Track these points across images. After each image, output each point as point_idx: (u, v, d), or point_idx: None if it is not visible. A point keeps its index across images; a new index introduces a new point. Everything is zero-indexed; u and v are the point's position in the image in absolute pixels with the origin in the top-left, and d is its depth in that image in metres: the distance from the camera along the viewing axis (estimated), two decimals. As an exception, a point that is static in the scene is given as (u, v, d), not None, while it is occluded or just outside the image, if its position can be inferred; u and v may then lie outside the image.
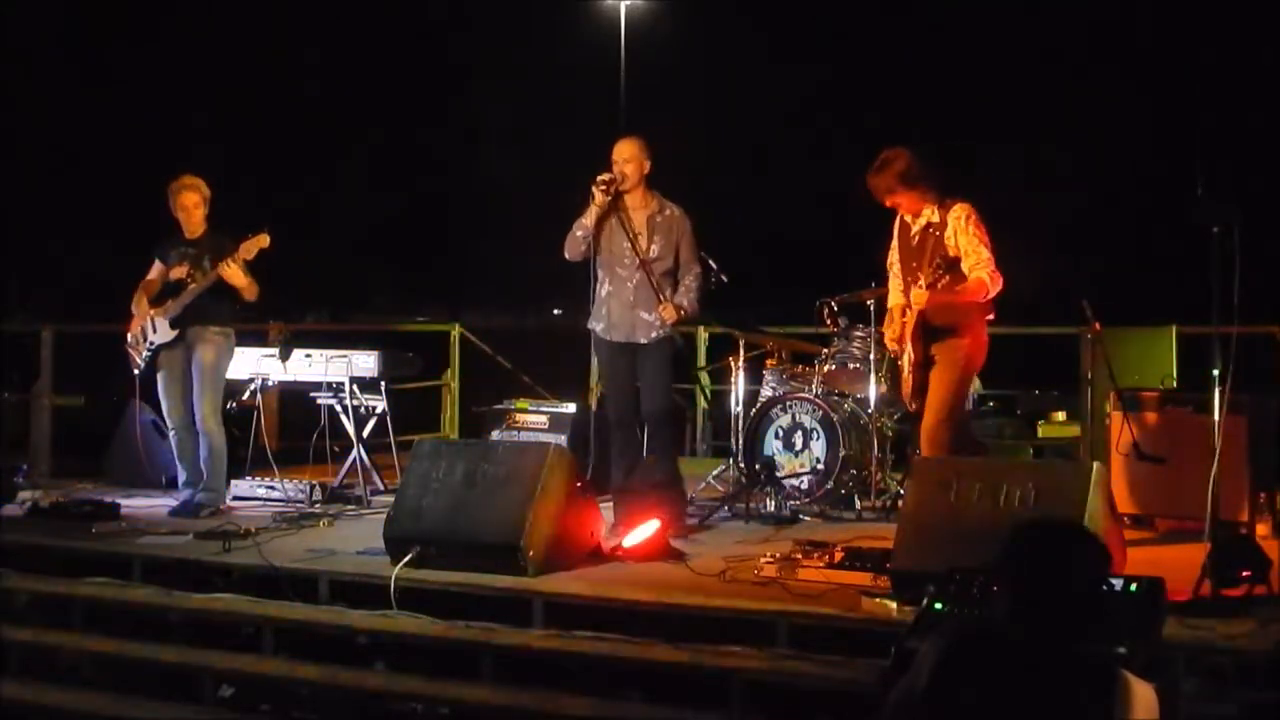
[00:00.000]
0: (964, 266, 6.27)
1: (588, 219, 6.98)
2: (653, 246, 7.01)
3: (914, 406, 6.62)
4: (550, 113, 27.99)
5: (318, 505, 7.59)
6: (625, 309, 7.04)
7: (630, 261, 6.99)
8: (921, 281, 6.23)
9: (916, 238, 6.44)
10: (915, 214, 6.45)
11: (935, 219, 6.39)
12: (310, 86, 27.39)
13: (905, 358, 6.45)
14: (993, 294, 6.31)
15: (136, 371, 7.70)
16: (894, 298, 6.71)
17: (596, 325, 7.16)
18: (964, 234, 6.29)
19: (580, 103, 27.22)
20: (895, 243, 6.65)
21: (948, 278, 6.23)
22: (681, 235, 7.07)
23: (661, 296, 6.95)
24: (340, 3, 28.32)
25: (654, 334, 7.01)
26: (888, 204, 6.47)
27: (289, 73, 26.69)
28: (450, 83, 29.44)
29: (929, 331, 6.34)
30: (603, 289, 7.09)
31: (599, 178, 6.95)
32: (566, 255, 7.09)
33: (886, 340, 6.75)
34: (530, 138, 28.16)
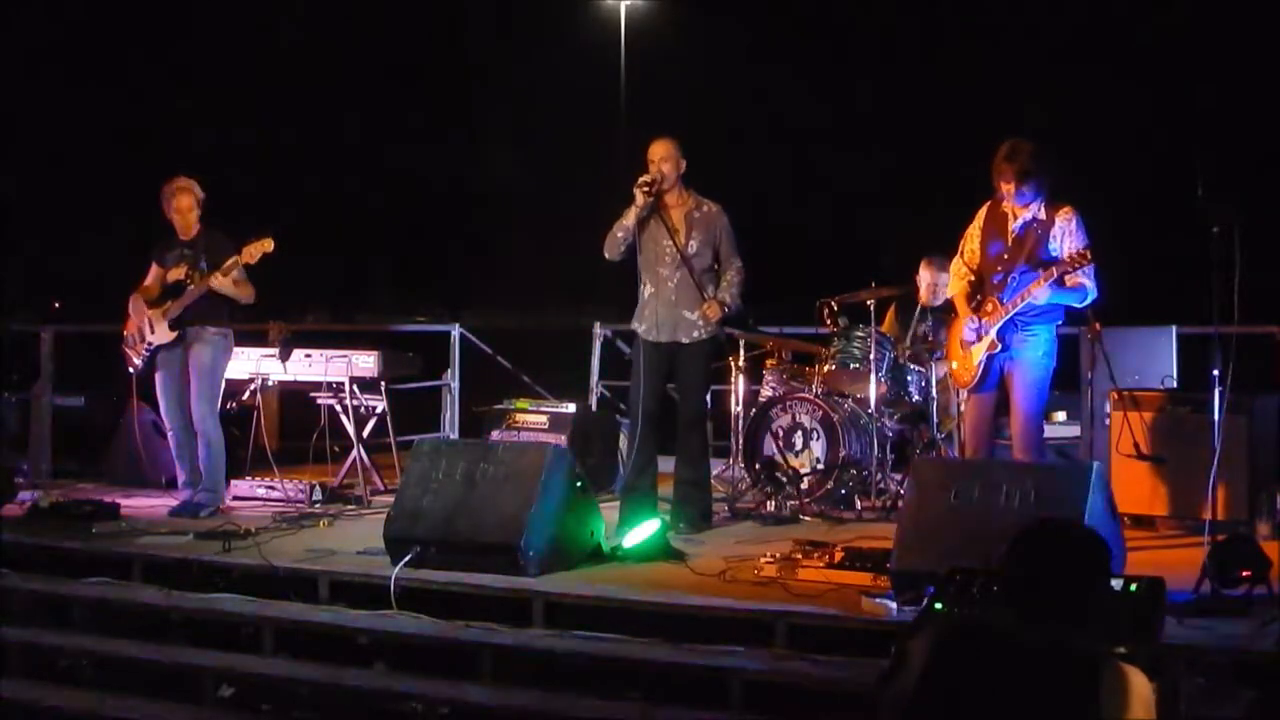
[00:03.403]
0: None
1: (628, 219, 6.88)
2: (691, 242, 6.93)
3: (962, 397, 6.56)
4: (550, 113, 27.98)
5: (318, 505, 7.60)
6: (668, 308, 6.94)
7: (671, 260, 6.92)
8: (1054, 270, 6.08)
9: (1016, 231, 6.28)
10: (1025, 204, 6.28)
11: (1042, 216, 6.25)
12: (311, 86, 27.39)
13: (982, 343, 6.30)
14: (1090, 300, 6.22)
15: (133, 371, 7.71)
16: (956, 285, 6.54)
17: (639, 326, 7.08)
18: (1072, 237, 6.18)
19: (580, 103, 27.22)
20: (978, 229, 6.45)
21: (1072, 275, 6.12)
22: (720, 230, 6.99)
23: (704, 294, 6.89)
24: (343, 3, 28.33)
25: (696, 333, 6.94)
26: (1012, 189, 6.23)
27: (290, 72, 26.70)
28: (451, 82, 29.45)
29: (1009, 324, 6.24)
30: (645, 290, 7.02)
31: (641, 179, 6.84)
32: (606, 255, 6.99)
33: (963, 315, 6.46)
34: (531, 138, 28.17)
